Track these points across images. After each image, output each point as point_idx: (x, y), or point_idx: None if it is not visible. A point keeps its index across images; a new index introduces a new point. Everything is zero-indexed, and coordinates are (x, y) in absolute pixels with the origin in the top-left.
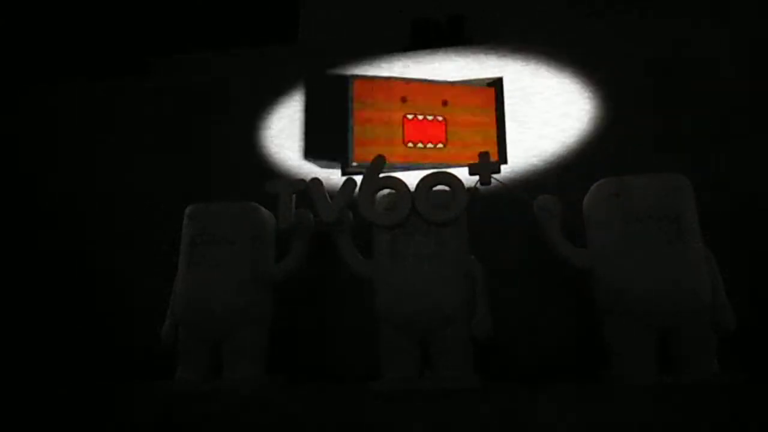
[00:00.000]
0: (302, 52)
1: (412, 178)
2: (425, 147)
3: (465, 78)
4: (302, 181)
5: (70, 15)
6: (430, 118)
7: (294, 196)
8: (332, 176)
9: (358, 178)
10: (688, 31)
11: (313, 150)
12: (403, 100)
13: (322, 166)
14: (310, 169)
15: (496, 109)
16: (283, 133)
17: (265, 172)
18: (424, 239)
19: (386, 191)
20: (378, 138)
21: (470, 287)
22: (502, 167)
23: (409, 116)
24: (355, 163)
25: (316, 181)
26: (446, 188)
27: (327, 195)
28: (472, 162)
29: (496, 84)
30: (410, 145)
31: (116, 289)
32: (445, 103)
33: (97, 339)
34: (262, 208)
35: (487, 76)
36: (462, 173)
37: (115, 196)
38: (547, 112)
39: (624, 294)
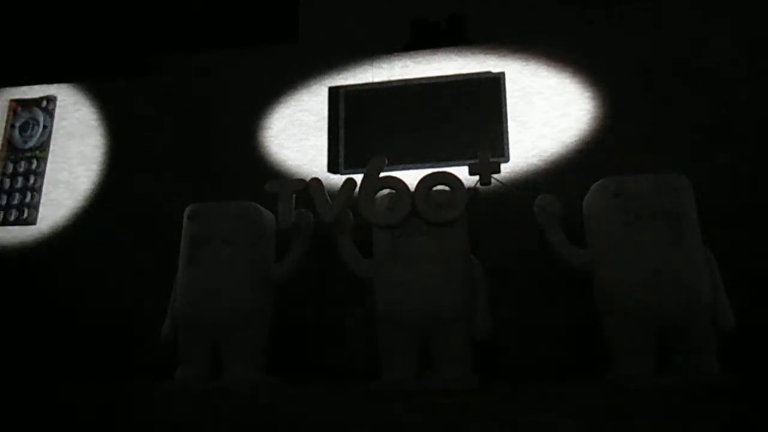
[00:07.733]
0: (302, 52)
1: (412, 178)
2: None
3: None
4: (302, 181)
5: (70, 16)
6: None
7: (294, 196)
8: (332, 176)
9: (358, 178)
10: (688, 32)
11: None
12: None
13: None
14: (310, 169)
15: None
16: (283, 133)
17: (265, 172)
18: (424, 239)
19: (386, 191)
20: None
21: (470, 287)
22: (503, 167)
23: None
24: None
25: (316, 181)
26: (446, 188)
27: (327, 195)
28: (472, 161)
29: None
30: None
31: (116, 288)
32: None
33: (98, 339)
34: (262, 208)
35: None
36: (462, 173)
37: (115, 195)
38: (547, 112)
39: (624, 294)
